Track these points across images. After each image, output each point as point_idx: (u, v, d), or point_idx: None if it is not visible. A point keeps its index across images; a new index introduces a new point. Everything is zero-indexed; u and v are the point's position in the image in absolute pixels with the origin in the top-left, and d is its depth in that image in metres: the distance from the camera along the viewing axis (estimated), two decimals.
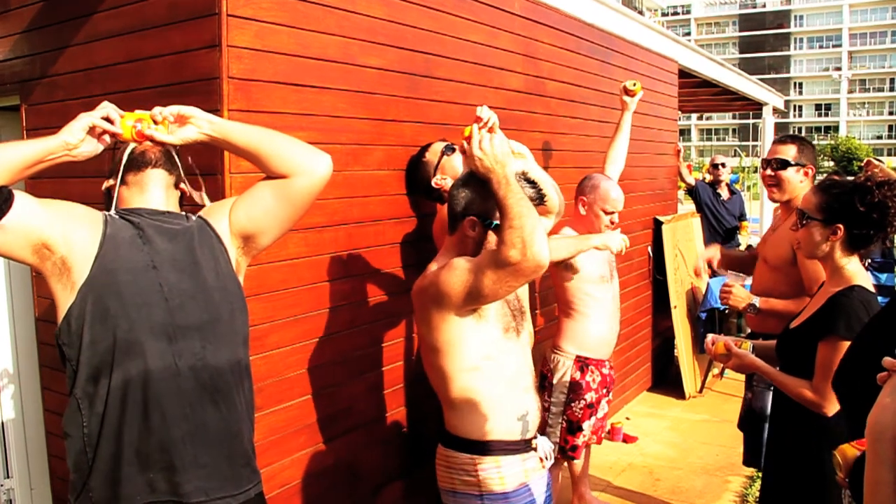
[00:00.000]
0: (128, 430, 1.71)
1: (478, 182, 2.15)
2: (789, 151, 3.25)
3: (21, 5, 3.01)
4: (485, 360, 2.19)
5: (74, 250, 1.72)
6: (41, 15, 2.94)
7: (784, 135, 3.51)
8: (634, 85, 3.79)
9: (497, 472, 2.20)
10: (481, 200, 2.16)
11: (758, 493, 4.07)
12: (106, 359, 1.70)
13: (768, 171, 3.29)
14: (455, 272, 2.08)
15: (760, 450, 3.25)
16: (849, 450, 1.63)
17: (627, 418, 5.43)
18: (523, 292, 2.40)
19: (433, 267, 2.23)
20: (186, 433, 1.76)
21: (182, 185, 1.98)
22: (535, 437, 2.32)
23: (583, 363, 3.51)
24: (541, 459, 2.31)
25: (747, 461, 3.57)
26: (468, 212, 2.18)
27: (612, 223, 3.48)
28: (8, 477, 3.26)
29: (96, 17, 2.70)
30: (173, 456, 1.74)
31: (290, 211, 1.96)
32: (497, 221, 2.13)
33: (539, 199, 2.28)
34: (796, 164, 3.23)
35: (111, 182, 1.91)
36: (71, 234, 1.72)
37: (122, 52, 2.62)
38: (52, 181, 2.69)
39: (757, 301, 3.22)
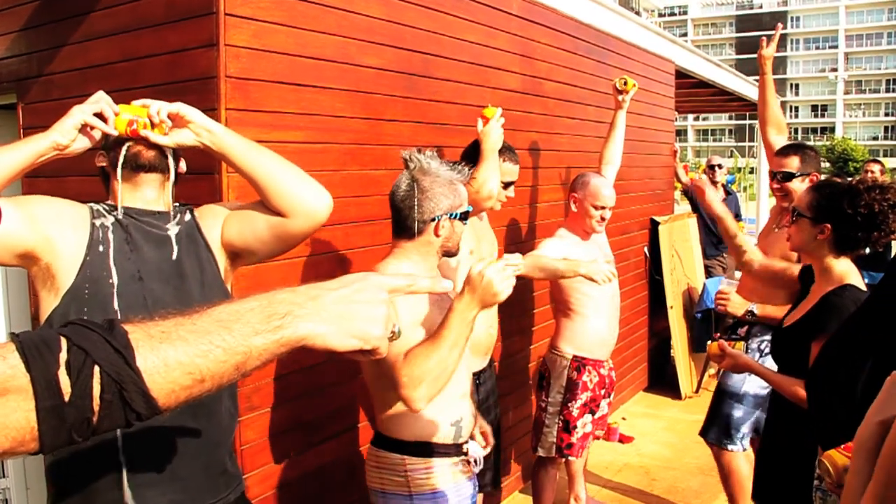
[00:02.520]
0: (103, 442, 1.67)
1: (438, 182, 2.18)
2: (793, 163, 3.37)
3: (18, 4, 3.00)
4: None
5: (59, 257, 1.67)
6: (38, 13, 2.94)
7: (787, 145, 3.56)
8: (625, 83, 3.78)
9: (426, 473, 2.21)
10: (448, 200, 2.19)
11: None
12: None
13: (775, 184, 3.43)
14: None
15: (717, 423, 3.50)
16: (837, 456, 1.63)
17: (623, 418, 5.44)
18: None
19: (403, 269, 2.21)
20: (165, 448, 1.72)
21: (179, 168, 1.90)
22: (466, 442, 2.32)
23: (580, 363, 3.51)
24: (468, 463, 2.32)
25: (704, 431, 3.66)
26: (438, 213, 2.18)
27: (602, 219, 3.48)
28: (4, 476, 3.25)
29: (93, 15, 2.70)
30: (150, 470, 1.70)
31: (283, 246, 1.94)
32: (461, 211, 2.20)
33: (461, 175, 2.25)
34: (801, 175, 3.35)
35: (103, 163, 1.82)
36: (56, 241, 1.67)
37: (119, 50, 2.62)
38: (49, 180, 2.69)
39: (755, 307, 3.28)
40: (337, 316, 0.93)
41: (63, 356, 0.77)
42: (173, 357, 0.82)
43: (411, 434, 2.22)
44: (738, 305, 3.30)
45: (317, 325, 0.92)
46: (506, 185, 3.10)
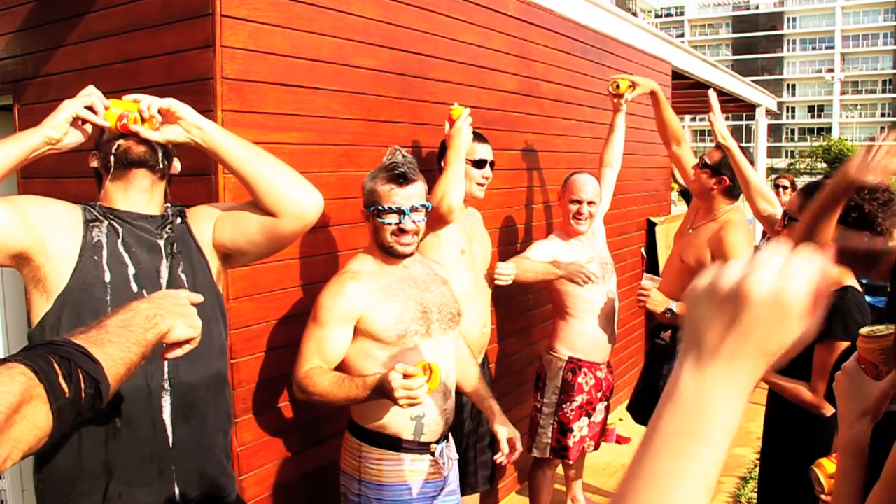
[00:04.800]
0: (92, 447, 1.67)
1: (376, 177, 2.31)
2: (713, 157, 3.39)
3: (13, 4, 2.99)
4: (377, 350, 2.26)
5: (52, 260, 1.66)
6: (34, 14, 2.93)
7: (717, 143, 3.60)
8: (617, 87, 3.74)
9: (377, 464, 2.28)
10: (367, 193, 2.32)
11: (751, 494, 4.09)
12: None
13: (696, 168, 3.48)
14: (315, 307, 2.28)
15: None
16: (827, 464, 1.63)
17: (621, 419, 5.43)
18: (437, 298, 2.42)
19: (351, 265, 2.35)
20: (156, 451, 1.71)
21: (172, 167, 1.91)
22: (435, 443, 2.34)
23: (575, 365, 3.51)
24: (437, 465, 2.34)
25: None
26: (365, 203, 2.34)
27: (579, 214, 3.44)
28: (0, 478, 3.25)
29: (89, 16, 2.70)
30: (140, 473, 1.70)
31: (274, 247, 1.96)
32: (373, 207, 2.28)
33: (399, 179, 2.29)
34: (713, 172, 3.36)
35: (95, 163, 1.82)
36: (49, 243, 1.66)
37: (116, 52, 2.61)
38: (45, 181, 2.68)
39: (674, 306, 3.30)
40: (178, 314, 1.30)
41: (56, 367, 1.01)
42: (115, 354, 1.12)
43: (369, 422, 2.30)
44: (658, 303, 3.30)
45: (172, 321, 1.29)
46: (478, 165, 3.02)
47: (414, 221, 2.28)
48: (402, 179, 2.27)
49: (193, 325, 1.34)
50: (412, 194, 2.28)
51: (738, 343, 0.60)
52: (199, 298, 1.41)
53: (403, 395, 2.00)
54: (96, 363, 1.07)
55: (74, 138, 1.72)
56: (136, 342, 1.18)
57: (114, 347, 1.13)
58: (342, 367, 2.29)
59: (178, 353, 1.36)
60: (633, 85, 3.71)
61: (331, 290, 2.26)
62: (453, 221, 2.81)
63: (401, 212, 2.26)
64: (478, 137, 3.08)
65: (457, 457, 2.51)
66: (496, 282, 3.03)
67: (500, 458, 2.53)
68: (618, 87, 3.71)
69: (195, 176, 2.34)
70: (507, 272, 3.01)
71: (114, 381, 1.10)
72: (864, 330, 1.50)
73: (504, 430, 2.52)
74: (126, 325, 1.19)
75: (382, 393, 2.05)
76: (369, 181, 2.33)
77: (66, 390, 1.00)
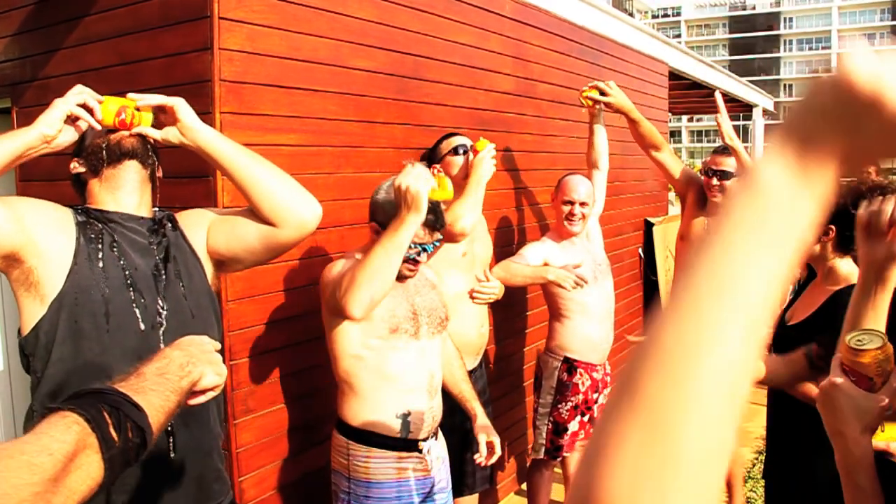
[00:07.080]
0: None
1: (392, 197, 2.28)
2: (731, 163, 3.54)
3: (12, 7, 3.00)
4: (365, 350, 2.29)
5: (45, 261, 1.62)
6: (32, 17, 2.94)
7: (723, 145, 3.62)
8: (591, 104, 3.71)
9: (365, 461, 2.30)
10: (384, 213, 2.28)
11: (750, 493, 4.10)
12: (71, 379, 1.61)
13: (714, 181, 3.57)
14: (330, 274, 2.28)
15: None
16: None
17: None
18: (427, 302, 2.44)
19: (355, 253, 2.35)
20: (155, 456, 1.69)
21: (158, 175, 1.87)
22: (424, 440, 2.37)
23: (570, 365, 3.51)
24: (425, 462, 2.37)
25: None
26: (374, 218, 2.33)
27: (571, 215, 3.43)
28: None
29: (88, 19, 2.71)
30: (139, 479, 1.68)
31: (271, 255, 1.96)
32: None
33: (435, 225, 2.32)
34: (721, 174, 3.55)
35: (80, 168, 1.78)
36: (42, 244, 1.62)
37: (114, 54, 2.62)
38: (43, 183, 2.69)
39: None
40: (206, 362, 1.31)
41: (107, 417, 1.02)
42: (156, 403, 1.13)
43: (355, 420, 2.32)
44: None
45: (203, 368, 1.29)
46: (457, 152, 2.99)
47: (429, 255, 2.36)
48: (439, 226, 2.34)
49: (220, 372, 1.34)
50: (438, 236, 2.36)
51: (854, 148, 0.53)
52: (218, 346, 1.40)
53: (411, 181, 2.07)
54: (142, 412, 1.08)
55: (69, 136, 1.69)
56: (173, 390, 1.19)
57: (154, 395, 1.14)
58: (336, 357, 2.32)
59: (202, 399, 1.33)
60: (598, 101, 3.66)
61: (337, 263, 2.32)
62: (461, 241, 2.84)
63: (424, 249, 2.32)
64: (456, 135, 3.10)
65: (446, 455, 2.52)
66: (474, 302, 3.01)
67: (478, 458, 2.52)
68: (591, 104, 3.70)
69: (193, 178, 2.35)
70: (490, 292, 3.01)
71: (156, 429, 1.11)
72: (850, 341, 1.37)
73: (484, 434, 2.53)
74: (162, 373, 1.20)
75: (400, 200, 2.10)
76: (387, 200, 2.29)
77: (117, 440, 1.01)
